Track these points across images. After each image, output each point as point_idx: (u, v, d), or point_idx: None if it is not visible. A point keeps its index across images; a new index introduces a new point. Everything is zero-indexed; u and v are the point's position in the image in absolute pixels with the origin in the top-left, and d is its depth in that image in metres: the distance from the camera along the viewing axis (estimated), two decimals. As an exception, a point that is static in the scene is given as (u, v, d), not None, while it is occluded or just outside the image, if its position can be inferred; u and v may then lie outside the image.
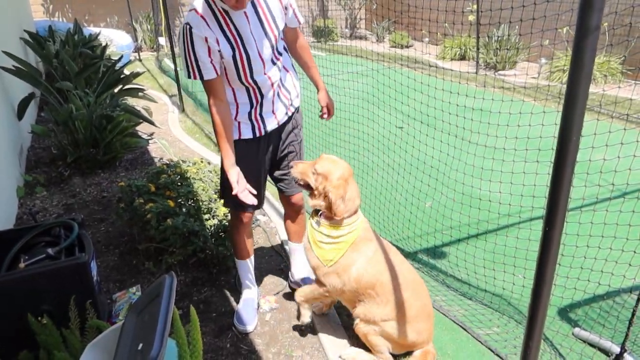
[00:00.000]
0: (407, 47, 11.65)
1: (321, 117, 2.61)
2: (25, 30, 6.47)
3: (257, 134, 2.30)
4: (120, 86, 5.02)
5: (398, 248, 3.30)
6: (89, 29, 9.31)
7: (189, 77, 2.08)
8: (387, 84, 4.36)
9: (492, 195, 3.25)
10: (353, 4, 13.62)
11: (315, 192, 2.19)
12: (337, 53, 10.90)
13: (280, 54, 2.26)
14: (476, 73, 8.49)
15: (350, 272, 2.15)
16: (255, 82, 2.17)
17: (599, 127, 2.72)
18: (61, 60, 5.08)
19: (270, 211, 3.69)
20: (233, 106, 2.24)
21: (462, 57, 9.89)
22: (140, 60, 10.76)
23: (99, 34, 7.65)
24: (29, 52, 6.61)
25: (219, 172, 2.48)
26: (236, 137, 2.27)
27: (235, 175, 2.17)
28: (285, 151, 2.46)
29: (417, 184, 3.72)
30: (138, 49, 11.42)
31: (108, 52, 6.85)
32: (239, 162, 2.25)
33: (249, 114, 2.25)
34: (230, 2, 1.92)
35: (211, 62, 2.04)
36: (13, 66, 4.58)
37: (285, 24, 2.24)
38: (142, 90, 5.09)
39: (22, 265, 2.20)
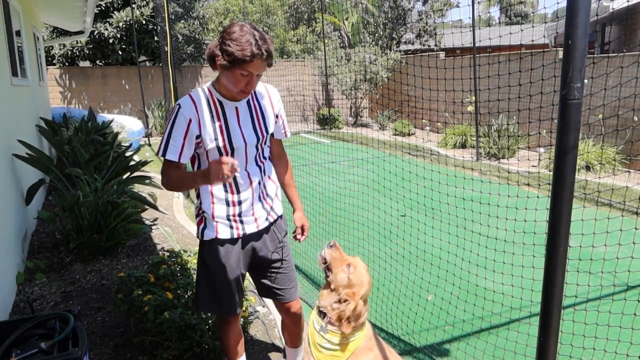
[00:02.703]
0: (409, 135, 12.01)
1: (294, 238, 2.50)
2: (41, 118, 6.77)
3: (235, 235, 2.23)
4: (128, 173, 5.15)
5: (403, 341, 3.22)
6: (103, 116, 9.73)
7: (158, 151, 2.12)
8: (390, 171, 4.46)
9: (496, 286, 3.20)
10: (357, 93, 14.23)
11: (333, 287, 2.15)
12: (341, 140, 11.25)
13: (265, 158, 2.27)
14: (477, 161, 8.68)
15: None
16: (234, 176, 2.10)
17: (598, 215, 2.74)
18: (73, 147, 5.26)
19: (270, 303, 3.62)
20: (208, 198, 2.20)
21: (463, 145, 10.15)
22: (149, 145, 11.11)
23: (112, 120, 7.98)
24: (43, 139, 6.86)
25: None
26: (213, 236, 2.21)
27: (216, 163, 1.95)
28: (270, 259, 2.36)
29: (419, 276, 3.68)
30: (148, 135, 11.83)
31: (119, 138, 7.11)
32: (216, 262, 2.22)
33: (227, 214, 2.20)
34: (230, 94, 2.06)
35: (182, 146, 2.07)
36: (27, 154, 4.74)
37: (273, 134, 2.31)
38: (149, 178, 5.21)
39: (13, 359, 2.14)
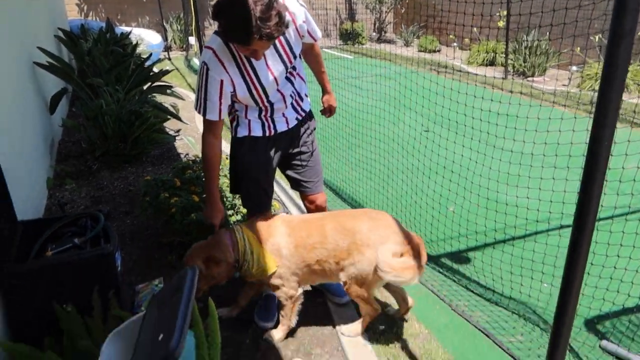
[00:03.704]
0: (435, 51, 11.55)
1: (322, 112, 2.76)
2: (59, 28, 6.65)
3: (267, 133, 2.33)
4: (149, 83, 5.10)
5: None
6: (121, 28, 9.49)
7: (196, 108, 2.17)
8: (412, 88, 4.32)
9: (520, 201, 3.18)
10: (381, 7, 13.57)
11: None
12: (364, 56, 10.89)
13: (294, 67, 2.29)
14: (504, 79, 8.36)
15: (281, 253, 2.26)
16: (269, 102, 2.25)
17: (632, 136, 2.64)
18: (93, 58, 5.18)
19: (293, 210, 3.69)
20: (242, 109, 2.28)
21: (491, 63, 9.75)
22: (169, 59, 10.94)
23: (130, 33, 7.79)
24: (63, 49, 6.78)
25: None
26: (246, 133, 2.32)
27: (220, 216, 2.33)
28: (298, 153, 2.49)
29: (439, 189, 3.67)
30: (167, 49, 11.61)
31: (138, 50, 6.98)
32: (248, 159, 2.33)
33: (259, 114, 2.29)
34: (246, 54, 2.00)
35: (220, 104, 2.11)
36: (47, 62, 4.70)
37: (303, 43, 2.29)
38: (170, 87, 5.16)
39: (49, 253, 2.24)
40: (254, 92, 2.15)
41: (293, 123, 2.39)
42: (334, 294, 2.67)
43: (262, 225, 2.31)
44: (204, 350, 1.54)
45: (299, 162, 2.52)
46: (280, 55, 2.16)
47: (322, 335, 2.47)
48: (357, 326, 2.45)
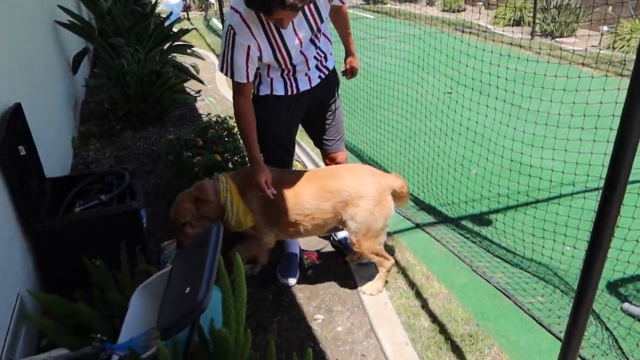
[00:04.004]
0: (459, 11, 11.19)
1: (343, 73, 2.70)
2: (78, -14, 6.59)
3: (289, 92, 2.32)
4: (169, 43, 5.07)
5: (441, 214, 3.27)
6: (139, -13, 9.37)
7: (221, 70, 2.13)
8: (436, 48, 4.21)
9: (544, 162, 3.12)
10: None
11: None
12: (386, 15, 10.62)
13: (319, 30, 2.25)
14: (531, 39, 8.08)
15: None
16: (292, 64, 2.22)
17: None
18: (113, 17, 5.15)
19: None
20: (264, 67, 2.25)
21: (517, 23, 9.42)
22: (188, 19, 10.83)
23: (149, -10, 7.70)
24: (82, 9, 6.74)
25: None
26: (268, 92, 2.30)
27: (264, 176, 2.20)
28: (321, 111, 2.49)
29: (462, 150, 3.62)
30: (187, 8, 11.47)
31: (157, 10, 6.90)
32: (270, 117, 2.32)
33: (282, 73, 2.27)
34: (272, 21, 1.97)
35: (247, 68, 2.08)
36: (68, 21, 4.69)
37: (331, 5, 2.25)
38: (190, 47, 5.13)
39: (77, 209, 2.30)
40: (279, 55, 2.13)
41: (316, 82, 2.37)
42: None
43: (244, 177, 2.31)
44: (230, 303, 1.57)
45: (321, 120, 2.52)
46: (307, 19, 2.13)
47: (344, 293, 2.52)
48: (376, 284, 2.49)
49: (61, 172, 3.33)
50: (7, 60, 2.58)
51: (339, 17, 2.48)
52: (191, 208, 2.21)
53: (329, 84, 2.45)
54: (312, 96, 2.40)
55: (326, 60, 2.38)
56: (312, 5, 2.10)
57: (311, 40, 2.23)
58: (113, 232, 2.24)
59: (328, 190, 2.26)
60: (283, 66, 2.21)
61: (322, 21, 2.19)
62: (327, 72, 2.41)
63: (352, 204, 2.24)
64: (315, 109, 2.47)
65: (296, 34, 2.11)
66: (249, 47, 2.03)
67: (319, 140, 2.60)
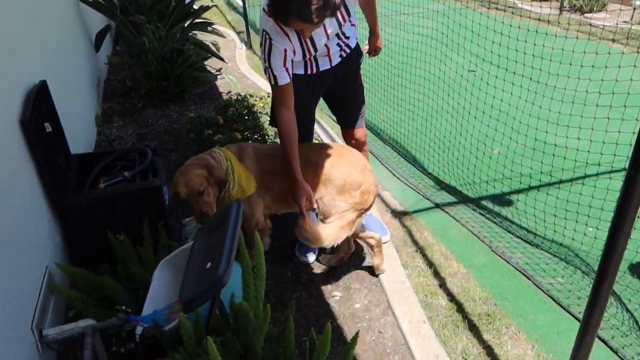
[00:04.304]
0: (485, -16, 10.87)
1: (366, 51, 2.69)
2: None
3: (309, 72, 2.32)
4: (189, 20, 5.06)
5: (461, 193, 3.25)
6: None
7: (269, 80, 2.15)
8: (460, 24, 4.11)
9: (570, 141, 3.06)
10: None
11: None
12: (409, -10, 10.38)
13: (346, 22, 2.24)
14: (559, 14, 7.83)
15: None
16: (315, 57, 2.26)
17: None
18: (134, -7, 5.16)
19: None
20: None
21: (545, -3, 9.12)
22: (208, -4, 10.76)
23: (169, -32, 7.67)
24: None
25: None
26: None
27: (305, 195, 2.14)
28: (342, 87, 2.48)
29: (485, 129, 3.56)
30: (207, -15, 11.40)
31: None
32: None
33: (303, 57, 2.24)
34: (297, 29, 1.98)
35: (285, 69, 2.08)
36: (90, -2, 4.71)
37: None
38: (211, 24, 5.12)
39: (101, 185, 2.35)
40: (307, 53, 2.16)
41: (336, 61, 2.36)
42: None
43: (237, 148, 2.33)
44: (249, 279, 1.60)
45: (342, 97, 2.52)
46: (336, 18, 2.13)
47: (361, 271, 2.54)
48: (375, 261, 2.47)
49: (85, 149, 3.40)
50: (32, 38, 2.61)
51: (368, 5, 2.49)
52: (205, 173, 2.18)
53: (350, 61, 2.43)
54: (333, 74, 2.40)
55: (348, 39, 2.35)
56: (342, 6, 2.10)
57: (336, 34, 2.25)
58: (136, 208, 2.28)
59: (309, 160, 2.26)
60: (307, 58, 2.22)
61: (349, 15, 2.19)
62: (348, 51, 2.39)
63: (323, 184, 2.24)
64: (335, 88, 2.47)
65: (326, 31, 2.13)
66: (285, 50, 2.04)
67: (339, 116, 2.62)
